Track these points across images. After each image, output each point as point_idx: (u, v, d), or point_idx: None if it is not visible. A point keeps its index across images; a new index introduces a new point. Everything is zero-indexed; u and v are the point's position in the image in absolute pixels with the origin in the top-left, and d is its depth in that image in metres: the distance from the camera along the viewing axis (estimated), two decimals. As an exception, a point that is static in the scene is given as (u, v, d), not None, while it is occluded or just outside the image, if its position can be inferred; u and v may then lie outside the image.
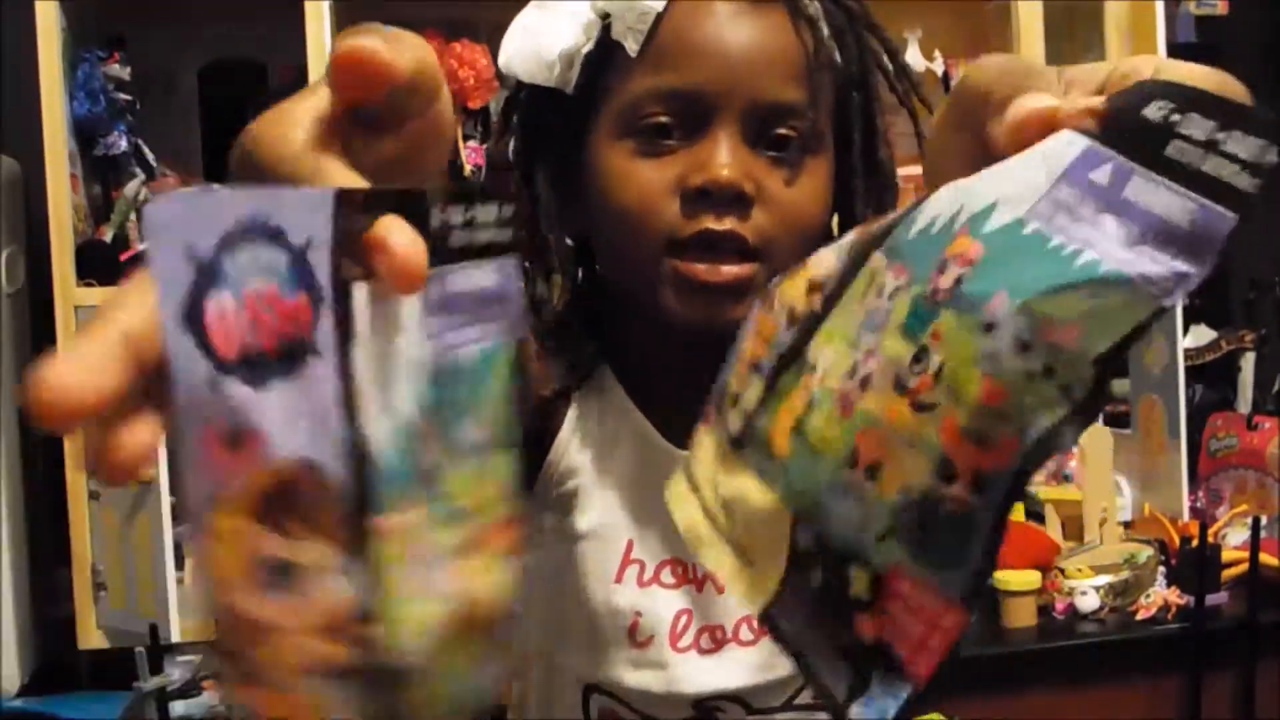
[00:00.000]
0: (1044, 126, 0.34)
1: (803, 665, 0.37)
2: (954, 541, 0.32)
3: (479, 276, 0.34)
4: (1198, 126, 0.31)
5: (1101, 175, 0.32)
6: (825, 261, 0.39)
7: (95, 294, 1.75)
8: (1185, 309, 2.03)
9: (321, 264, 0.27)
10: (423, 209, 0.30)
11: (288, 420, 0.27)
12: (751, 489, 0.39)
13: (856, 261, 0.37)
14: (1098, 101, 0.33)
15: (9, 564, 1.77)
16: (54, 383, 0.27)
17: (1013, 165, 0.34)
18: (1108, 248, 0.30)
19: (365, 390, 0.28)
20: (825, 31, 0.69)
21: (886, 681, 0.34)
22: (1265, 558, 1.78)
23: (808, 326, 0.38)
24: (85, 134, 1.82)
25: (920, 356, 0.33)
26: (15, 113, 1.84)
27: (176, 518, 1.75)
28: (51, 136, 1.71)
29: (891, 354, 0.34)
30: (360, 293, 0.29)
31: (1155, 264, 0.30)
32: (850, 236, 0.39)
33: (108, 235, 1.82)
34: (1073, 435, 0.30)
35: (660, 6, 0.67)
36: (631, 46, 0.67)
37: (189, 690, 1.63)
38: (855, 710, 0.34)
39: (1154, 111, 0.31)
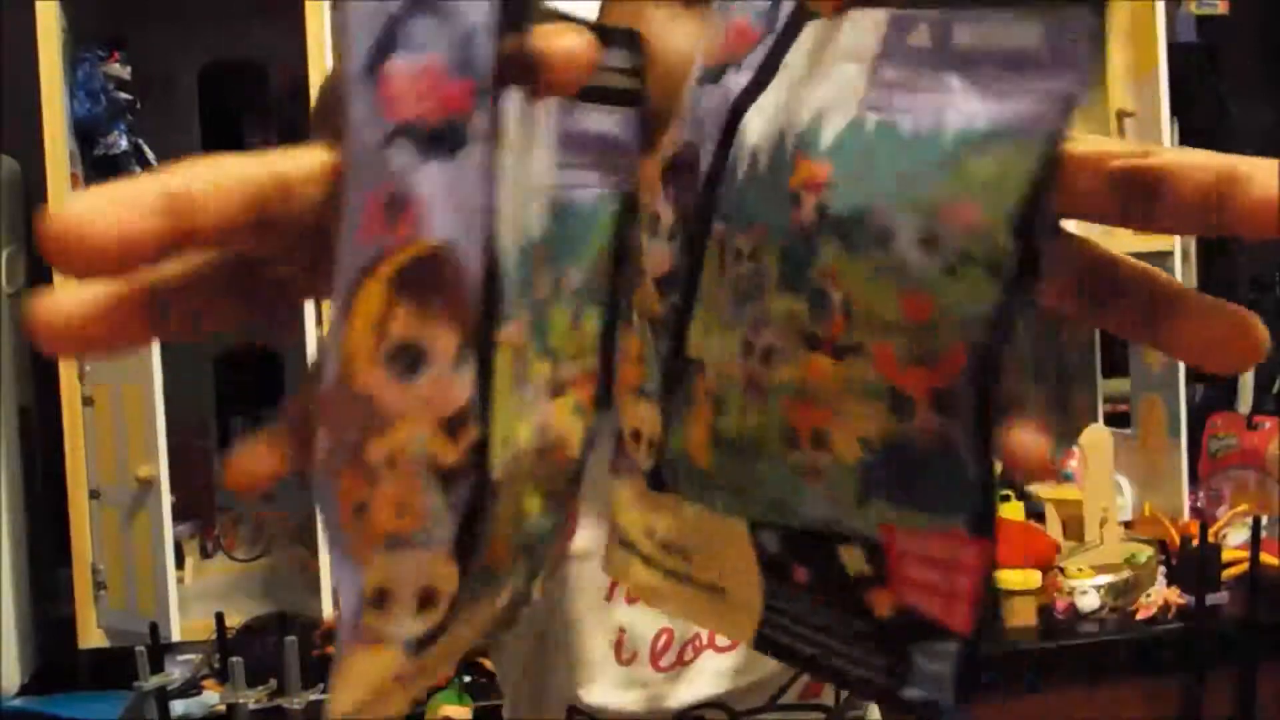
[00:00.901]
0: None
1: (824, 670, 0.33)
2: (940, 474, 0.28)
3: (604, 121, 0.33)
4: None
5: (921, 37, 0.28)
6: (658, 256, 0.35)
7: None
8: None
9: (484, 52, 0.26)
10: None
11: (442, 199, 0.26)
12: (690, 518, 0.35)
13: (694, 240, 0.33)
14: None
15: (9, 564, 1.77)
16: (70, 219, 0.22)
17: (819, 69, 0.30)
18: (965, 107, 0.27)
19: (503, 196, 0.27)
20: None
21: (927, 647, 0.30)
22: (1265, 558, 1.78)
23: (676, 328, 0.34)
24: (85, 134, 1.82)
25: (818, 300, 0.29)
26: (15, 113, 1.84)
27: (176, 518, 1.75)
28: (51, 136, 1.71)
29: (784, 313, 0.30)
30: (512, 98, 0.28)
31: (1024, 97, 0.26)
32: (665, 219, 0.35)
33: (108, 235, 1.82)
34: (1018, 316, 0.26)
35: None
36: None
37: (189, 690, 1.63)
38: (910, 691, 0.30)
39: None
